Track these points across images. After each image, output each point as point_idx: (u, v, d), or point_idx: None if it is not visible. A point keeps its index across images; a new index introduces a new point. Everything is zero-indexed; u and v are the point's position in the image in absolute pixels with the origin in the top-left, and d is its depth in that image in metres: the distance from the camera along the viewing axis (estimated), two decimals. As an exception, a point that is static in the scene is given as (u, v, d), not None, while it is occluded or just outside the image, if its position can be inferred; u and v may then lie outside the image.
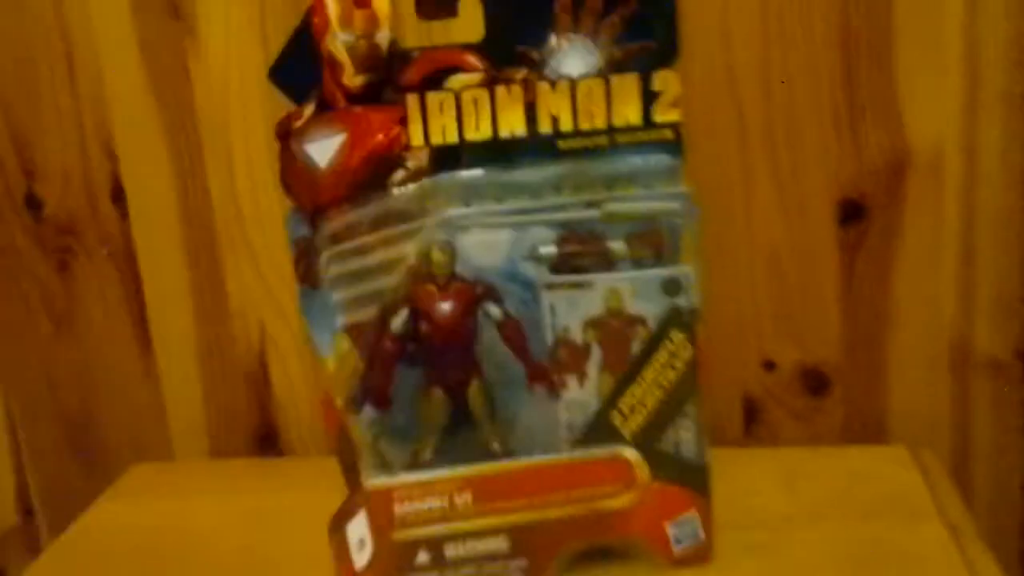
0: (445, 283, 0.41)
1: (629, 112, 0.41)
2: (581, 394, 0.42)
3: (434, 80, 0.41)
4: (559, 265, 0.41)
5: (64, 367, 0.61)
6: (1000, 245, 0.52)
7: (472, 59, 0.41)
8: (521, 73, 0.41)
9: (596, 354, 0.42)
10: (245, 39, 0.54)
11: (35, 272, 0.60)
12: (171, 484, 0.56)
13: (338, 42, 0.41)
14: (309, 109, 0.42)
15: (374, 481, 0.42)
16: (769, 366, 0.55)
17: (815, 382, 0.55)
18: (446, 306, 0.41)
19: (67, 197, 0.59)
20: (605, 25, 0.41)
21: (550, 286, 0.41)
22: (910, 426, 0.54)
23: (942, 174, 0.52)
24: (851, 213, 0.53)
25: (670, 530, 0.43)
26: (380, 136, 0.41)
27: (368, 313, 0.42)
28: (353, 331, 0.42)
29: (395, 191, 0.42)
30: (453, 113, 0.41)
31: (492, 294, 0.41)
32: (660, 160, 0.41)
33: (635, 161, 0.41)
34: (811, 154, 0.52)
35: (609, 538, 0.43)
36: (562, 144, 0.41)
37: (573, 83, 0.41)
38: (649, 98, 0.41)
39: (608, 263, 0.41)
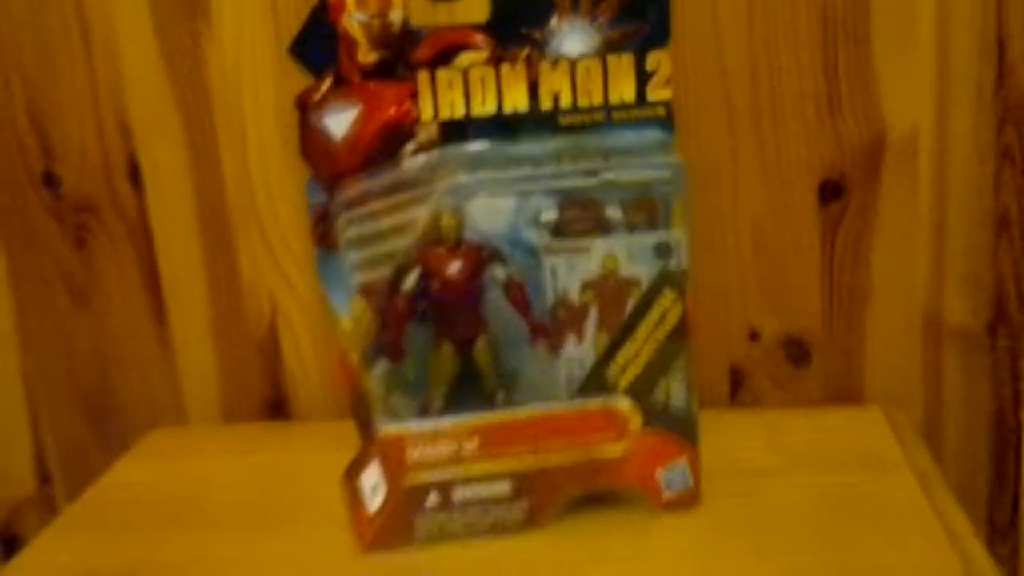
0: (454, 246, 0.43)
1: (624, 90, 0.43)
2: (579, 350, 0.43)
3: (443, 58, 0.42)
4: (559, 230, 0.42)
5: (81, 339, 0.61)
6: (971, 222, 0.54)
7: (479, 39, 0.42)
8: (524, 53, 0.42)
9: (593, 314, 0.43)
10: (258, 20, 0.55)
11: (53, 248, 0.60)
12: (186, 447, 0.57)
13: (354, 21, 0.42)
14: (326, 84, 0.43)
15: (388, 428, 0.43)
16: (754, 336, 0.56)
17: (797, 350, 0.56)
18: (455, 267, 0.43)
19: (84, 175, 0.58)
20: (602, 8, 0.42)
21: (551, 250, 0.43)
22: (886, 393, 0.56)
23: (916, 156, 0.53)
24: (831, 192, 0.54)
25: (661, 476, 0.44)
26: (392, 110, 0.43)
27: (381, 273, 0.43)
28: (367, 289, 0.43)
29: (407, 161, 0.43)
30: (461, 89, 0.43)
31: (497, 257, 0.43)
32: (653, 135, 0.43)
33: (629, 136, 0.43)
34: (794, 135, 0.53)
35: (604, 484, 0.44)
36: (562, 119, 0.43)
37: (572, 62, 0.42)
38: (643, 77, 0.43)
39: (605, 228, 0.43)
